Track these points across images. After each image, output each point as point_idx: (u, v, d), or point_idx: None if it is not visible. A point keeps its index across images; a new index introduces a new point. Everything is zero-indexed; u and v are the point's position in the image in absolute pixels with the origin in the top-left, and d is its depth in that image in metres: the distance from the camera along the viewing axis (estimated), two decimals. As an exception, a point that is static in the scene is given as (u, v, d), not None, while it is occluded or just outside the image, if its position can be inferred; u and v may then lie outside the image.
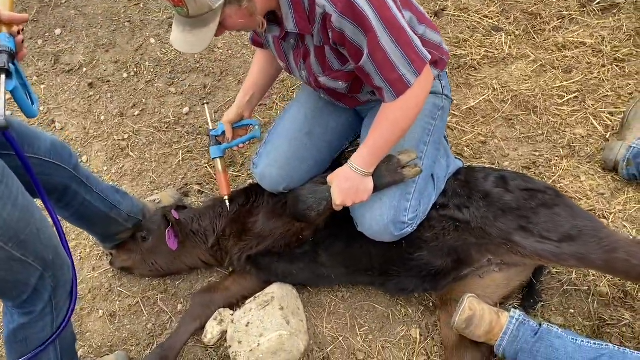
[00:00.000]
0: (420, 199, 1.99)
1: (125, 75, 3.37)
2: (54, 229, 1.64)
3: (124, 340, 2.28)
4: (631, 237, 2.14)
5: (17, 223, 1.44)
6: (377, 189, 1.92)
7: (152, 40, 3.58)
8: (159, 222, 2.33)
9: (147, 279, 2.45)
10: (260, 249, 2.20)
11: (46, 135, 1.86)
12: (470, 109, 2.89)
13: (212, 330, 2.17)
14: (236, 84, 3.27)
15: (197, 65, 3.39)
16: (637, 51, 3.01)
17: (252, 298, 2.17)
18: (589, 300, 2.11)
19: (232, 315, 2.15)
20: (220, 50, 3.47)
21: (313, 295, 2.29)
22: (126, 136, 3.05)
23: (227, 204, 2.26)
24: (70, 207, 2.03)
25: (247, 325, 2.05)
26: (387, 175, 1.93)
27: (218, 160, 2.27)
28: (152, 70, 3.40)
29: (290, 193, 2.05)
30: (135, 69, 3.39)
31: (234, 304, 2.29)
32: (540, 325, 1.87)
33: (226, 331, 2.17)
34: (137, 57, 3.48)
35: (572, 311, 2.10)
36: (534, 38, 3.21)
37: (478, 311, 1.88)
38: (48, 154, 1.83)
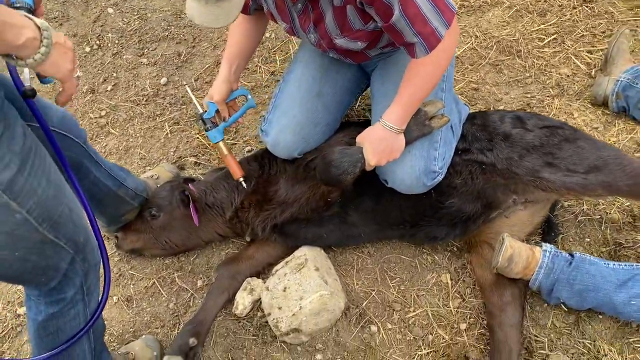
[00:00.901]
0: (445, 145, 2.00)
1: (87, 49, 3.12)
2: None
3: (146, 324, 2.16)
4: None
5: (52, 201, 1.32)
6: (406, 143, 1.91)
7: (110, 10, 3.33)
8: (169, 197, 2.21)
9: (158, 258, 2.33)
10: (285, 216, 2.13)
11: (55, 105, 1.69)
12: (458, 57, 2.90)
13: (242, 301, 2.10)
14: (212, 49, 3.12)
15: (167, 33, 3.20)
16: (602, -9, 3.13)
17: (282, 263, 2.12)
18: (602, 227, 2.22)
19: (265, 282, 2.09)
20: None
21: (338, 254, 2.27)
22: (103, 113, 2.84)
23: (244, 184, 2.15)
24: (81, 185, 1.88)
25: (284, 290, 2.00)
26: (415, 129, 1.91)
27: (220, 143, 2.09)
28: (116, 41, 3.18)
29: (320, 158, 1.97)
30: (97, 42, 3.16)
31: (260, 272, 2.23)
32: (572, 255, 1.94)
33: (258, 300, 2.11)
34: (97, 28, 3.24)
35: (588, 239, 2.21)
36: (505, -16, 3.25)
37: (516, 248, 1.93)
38: (60, 125, 1.67)
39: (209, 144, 2.67)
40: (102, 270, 1.62)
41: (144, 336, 2.08)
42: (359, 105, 2.75)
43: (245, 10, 2.05)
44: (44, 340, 1.58)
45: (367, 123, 2.28)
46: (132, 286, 2.26)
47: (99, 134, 2.76)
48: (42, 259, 1.36)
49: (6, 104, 1.20)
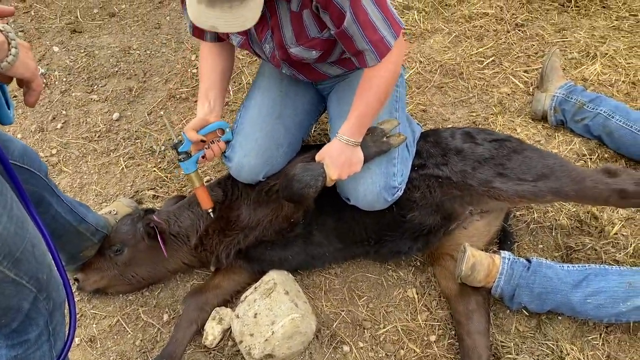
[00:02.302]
0: (402, 162, 2.07)
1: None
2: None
3: (112, 364, 2.09)
4: (593, 168, 2.42)
5: (13, 237, 1.27)
6: (365, 160, 1.97)
7: (56, 49, 3.29)
8: (132, 230, 2.17)
9: (121, 295, 2.27)
10: (249, 241, 2.14)
11: (16, 139, 1.66)
12: (405, 81, 3.03)
13: (212, 331, 2.07)
14: (163, 83, 3.12)
15: (116, 69, 3.18)
16: (531, 16, 3.38)
17: (251, 289, 2.11)
18: (553, 233, 2.34)
19: (234, 310, 2.07)
20: (137, 52, 3.29)
21: (305, 277, 2.28)
22: (54, 151, 2.78)
23: (212, 214, 2.15)
24: (42, 220, 1.82)
25: (255, 317, 1.98)
26: (373, 145, 1.98)
27: (192, 175, 2.07)
28: (64, 79, 3.13)
29: (282, 176, 2.00)
30: (44, 80, 3.09)
31: (228, 301, 2.20)
32: (529, 260, 2.04)
33: (228, 329, 2.09)
34: (43, 67, 3.17)
35: (541, 246, 2.32)
36: (443, 13, 3.45)
37: (477, 257, 2.00)
38: (21, 158, 1.63)
39: (180, 174, 2.65)
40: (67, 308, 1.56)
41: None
42: (314, 131, 2.81)
43: (200, 35, 2.08)
44: None
45: (322, 146, 2.34)
46: (95, 326, 2.18)
47: (51, 173, 2.69)
48: (2, 298, 1.31)
49: None
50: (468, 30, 3.32)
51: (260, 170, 2.15)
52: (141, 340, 2.14)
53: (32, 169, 1.68)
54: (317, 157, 1.96)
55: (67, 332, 1.58)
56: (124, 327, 2.18)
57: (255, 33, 1.93)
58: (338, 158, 1.90)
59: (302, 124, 2.30)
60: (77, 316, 2.21)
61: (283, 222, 2.11)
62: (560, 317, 2.09)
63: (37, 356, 1.49)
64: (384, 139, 2.00)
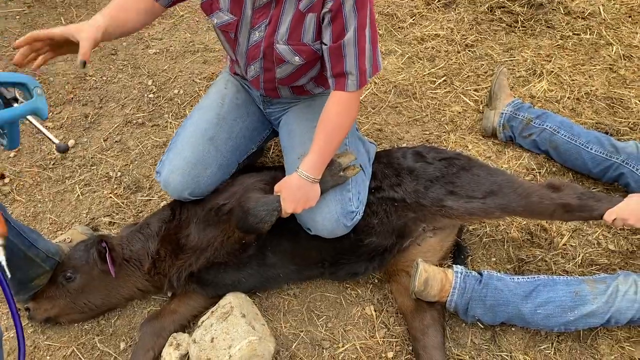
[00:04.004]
0: (358, 187, 2.11)
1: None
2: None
3: (67, 396, 2.04)
4: (539, 183, 2.50)
5: None
6: (322, 193, 2.01)
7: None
8: (85, 256, 2.14)
9: (76, 324, 2.22)
10: (201, 263, 2.13)
11: None
12: (362, 102, 3.10)
13: (169, 358, 2.04)
14: (119, 108, 3.11)
15: (71, 96, 3.16)
16: (480, 37, 3.51)
17: (208, 314, 2.09)
18: (505, 246, 2.41)
19: (191, 335, 2.06)
20: (94, 78, 3.28)
21: (264, 299, 2.28)
22: (7, 180, 2.72)
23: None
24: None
25: (212, 341, 1.97)
26: (330, 179, 2.02)
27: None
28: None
29: (237, 206, 2.01)
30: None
31: (185, 326, 2.18)
32: (481, 274, 2.10)
33: (185, 355, 2.07)
34: (-5, 95, 3.12)
35: (494, 259, 2.38)
36: (396, 35, 3.55)
37: (430, 272, 2.05)
38: None
39: (122, 202, 2.63)
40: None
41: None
42: (272, 152, 2.84)
43: None
44: None
45: (280, 168, 2.38)
46: (49, 357, 2.13)
47: (4, 202, 2.64)
48: None
49: None
50: (420, 51, 3.42)
51: (186, 188, 2.16)
52: (97, 371, 2.10)
53: None
54: (276, 189, 1.99)
55: None
56: (80, 357, 2.13)
57: (252, 17, 1.93)
58: (295, 193, 1.93)
59: (238, 148, 2.32)
60: (31, 349, 2.16)
61: (235, 244, 2.11)
62: (513, 329, 2.14)
63: None
64: (341, 172, 2.03)
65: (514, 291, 2.03)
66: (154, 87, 3.23)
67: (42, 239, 2.09)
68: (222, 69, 3.31)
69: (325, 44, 1.84)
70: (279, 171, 2.33)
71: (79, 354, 2.14)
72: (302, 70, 2.01)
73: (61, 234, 2.48)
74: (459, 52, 3.40)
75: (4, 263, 1.18)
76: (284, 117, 2.33)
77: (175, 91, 3.18)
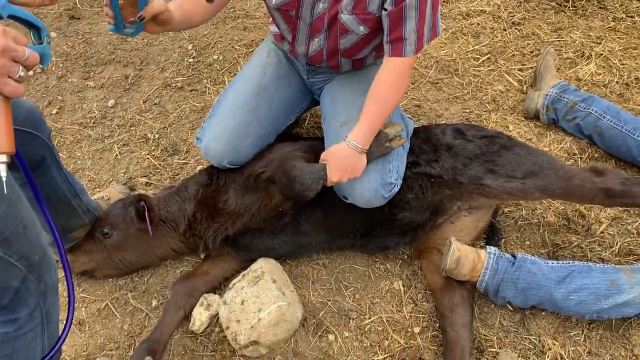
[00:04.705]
0: (398, 160, 2.09)
1: (30, 72, 3.05)
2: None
3: (100, 347, 2.11)
4: (581, 166, 2.44)
5: (3, 218, 1.26)
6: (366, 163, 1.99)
7: (53, 34, 3.30)
8: (123, 214, 2.19)
9: (111, 280, 2.29)
10: (237, 227, 2.16)
11: (24, 100, 1.65)
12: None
13: (199, 317, 2.09)
14: (159, 71, 3.14)
15: (113, 57, 3.20)
16: (528, 15, 3.39)
17: (239, 277, 2.13)
18: (540, 230, 2.37)
19: (222, 297, 2.10)
20: (135, 40, 3.30)
21: (294, 267, 2.30)
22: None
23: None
24: (37, 183, 1.80)
25: (242, 304, 2.01)
26: (376, 150, 2.00)
27: None
28: (61, 65, 3.14)
29: (282, 174, 2.02)
30: (40, 65, 3.10)
31: (216, 288, 2.23)
32: (515, 256, 2.07)
33: (215, 316, 2.11)
34: (40, 52, 3.18)
35: (528, 242, 2.34)
36: (441, 9, 3.45)
37: (463, 251, 2.03)
38: (25, 122, 1.63)
39: (159, 164, 2.67)
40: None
41: (98, 359, 2.03)
42: (308, 124, 2.83)
43: None
44: None
45: (316, 139, 2.40)
46: (84, 309, 2.21)
47: (45, 157, 2.70)
48: None
49: None
50: (465, 27, 3.33)
51: (226, 157, 2.18)
52: (129, 325, 2.16)
53: (36, 132, 1.68)
54: (323, 157, 1.99)
55: (67, 317, 1.57)
56: (113, 312, 2.20)
57: None
58: (343, 162, 1.93)
59: (277, 119, 2.32)
60: (66, 300, 2.22)
61: (271, 211, 2.13)
62: (543, 313, 2.11)
63: (29, 337, 1.50)
64: (387, 143, 2.02)
65: (548, 275, 2.00)
66: (194, 51, 3.24)
67: (85, 193, 2.15)
68: (262, 36, 3.29)
69: (386, 9, 1.80)
70: (316, 141, 2.33)
71: (112, 308, 2.21)
72: (366, 40, 1.99)
73: (99, 191, 2.54)
74: (505, 30, 3.30)
75: (4, 179, 1.18)
76: (327, 85, 2.32)
77: (215, 57, 3.19)
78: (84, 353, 2.10)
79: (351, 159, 1.92)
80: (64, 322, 1.51)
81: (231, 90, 2.29)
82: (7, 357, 1.49)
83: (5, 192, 1.25)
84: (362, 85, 1.94)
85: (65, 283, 1.51)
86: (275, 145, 2.29)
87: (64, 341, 1.51)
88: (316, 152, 2.07)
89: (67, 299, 1.50)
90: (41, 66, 1.26)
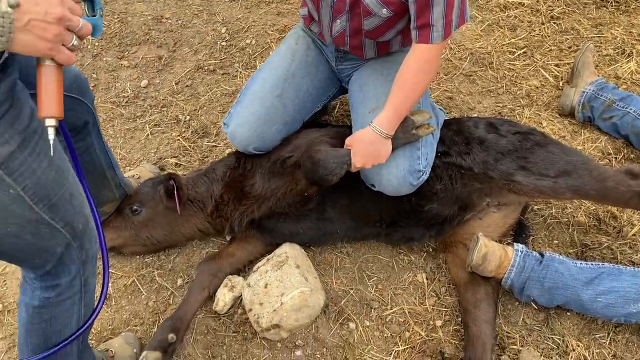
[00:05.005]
0: (427, 147, 2.07)
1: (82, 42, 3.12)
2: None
3: (125, 322, 2.16)
4: (616, 168, 2.38)
5: (52, 183, 1.30)
6: (392, 150, 1.98)
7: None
8: (152, 192, 2.23)
9: (138, 257, 2.33)
10: (263, 211, 2.18)
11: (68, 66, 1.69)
12: (433, 67, 3.01)
13: (223, 298, 2.12)
14: (192, 54, 3.16)
15: (147, 37, 3.23)
16: (568, 9, 3.31)
17: (263, 260, 2.15)
18: (570, 230, 2.32)
19: (246, 279, 2.12)
20: (169, 21, 3.33)
21: (317, 254, 2.31)
22: (83, 113, 2.83)
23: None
24: (76, 148, 1.83)
25: (265, 287, 2.03)
26: (402, 136, 1.99)
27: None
28: (96, 44, 3.19)
29: (307, 157, 2.02)
30: (92, 37, 3.15)
31: (241, 270, 2.25)
32: (542, 255, 2.04)
33: (238, 297, 2.14)
34: (77, 30, 3.22)
35: (557, 241, 2.31)
36: (478, 0, 3.40)
37: (490, 247, 2.00)
38: (70, 87, 1.66)
39: (189, 146, 2.69)
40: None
41: (123, 334, 2.07)
42: (337, 112, 2.82)
43: None
44: (35, 327, 1.53)
45: (344, 126, 2.41)
46: (111, 284, 2.25)
47: (78, 134, 2.75)
48: (37, 239, 1.34)
49: (19, 85, 1.20)
50: (502, 19, 3.27)
51: (251, 143, 2.20)
52: (154, 302, 2.20)
53: (80, 97, 1.71)
54: (347, 142, 1.99)
55: (102, 288, 1.60)
56: (139, 288, 2.24)
57: None
58: (367, 147, 1.92)
59: (304, 106, 2.32)
60: (95, 274, 2.28)
61: (297, 196, 2.14)
62: (569, 313, 2.08)
63: (68, 304, 1.54)
64: (414, 130, 2.00)
65: (576, 276, 1.97)
66: (227, 35, 3.25)
67: (119, 167, 2.19)
68: (295, 22, 3.28)
69: None
70: (343, 128, 2.33)
71: (138, 284, 2.25)
72: (389, 23, 1.96)
73: (130, 170, 2.58)
74: (543, 24, 3.22)
75: (52, 142, 1.23)
76: (356, 72, 2.30)
77: (248, 41, 3.19)
78: (110, 327, 2.15)
79: (376, 144, 1.91)
80: (98, 294, 1.55)
81: (259, 76, 2.29)
82: (45, 323, 1.53)
83: (52, 154, 1.29)
84: (391, 72, 1.92)
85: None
86: (302, 132, 2.30)
87: (99, 311, 1.55)
88: (343, 138, 2.06)
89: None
90: (92, 37, 1.29)
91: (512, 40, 3.13)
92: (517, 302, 2.13)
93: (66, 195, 1.36)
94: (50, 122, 1.17)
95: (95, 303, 1.61)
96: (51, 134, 1.19)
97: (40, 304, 1.50)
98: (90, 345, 1.99)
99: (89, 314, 1.61)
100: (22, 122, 1.18)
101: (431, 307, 2.15)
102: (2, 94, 1.12)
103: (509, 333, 2.05)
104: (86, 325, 1.57)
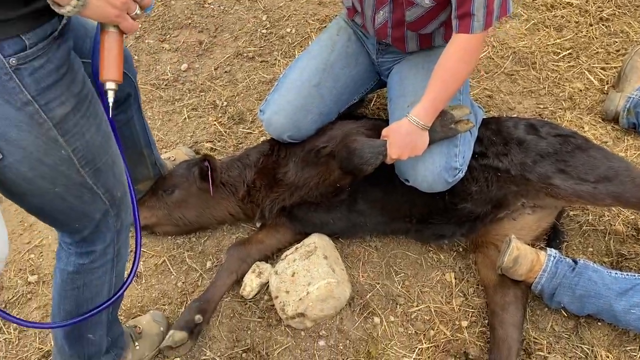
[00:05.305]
0: (464, 145, 2.04)
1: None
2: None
3: (154, 300, 2.20)
4: None
5: (98, 148, 1.34)
6: (430, 144, 1.95)
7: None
8: (186, 173, 2.27)
9: (169, 238, 2.37)
10: (294, 199, 2.19)
11: None
12: (474, 64, 2.96)
13: (250, 283, 2.14)
14: (232, 40, 3.18)
15: (189, 21, 3.26)
16: (618, 11, 3.20)
17: (292, 249, 2.16)
18: (606, 238, 2.26)
19: (274, 267, 2.14)
20: (212, 6, 3.35)
21: (346, 246, 2.31)
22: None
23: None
24: (116, 121, 1.86)
25: (292, 275, 2.04)
26: (440, 130, 1.96)
27: None
28: (139, 26, 3.22)
29: (342, 146, 2.02)
30: (146, 11, 3.21)
31: (269, 257, 2.27)
32: (576, 261, 1.99)
33: (265, 283, 2.16)
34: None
35: (591, 249, 2.25)
36: (525, -2, 3.32)
37: (522, 250, 1.97)
38: None
39: (225, 131, 2.72)
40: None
41: (151, 311, 2.12)
42: (373, 104, 2.80)
43: None
44: (68, 293, 1.58)
45: (380, 119, 2.41)
46: (142, 263, 2.30)
47: (118, 114, 2.81)
48: (79, 202, 1.38)
49: (73, 53, 1.25)
50: (548, 19, 3.18)
51: (286, 131, 2.21)
52: (183, 283, 2.24)
53: (124, 70, 1.77)
54: (384, 132, 1.97)
55: (133, 262, 1.63)
56: (169, 268, 2.29)
57: None
58: (404, 138, 1.90)
59: (341, 97, 2.31)
60: (128, 251, 2.33)
61: (329, 186, 2.14)
62: (599, 323, 2.03)
63: (100, 272, 1.58)
64: (452, 125, 1.97)
65: (610, 286, 1.92)
66: (267, 22, 3.26)
67: (156, 146, 2.24)
68: (337, 12, 3.26)
69: None
70: (379, 121, 2.32)
71: (169, 264, 2.30)
72: (431, 13, 1.94)
73: (166, 152, 2.62)
74: (591, 25, 3.13)
75: (111, 104, 1.29)
76: (397, 65, 2.28)
77: (288, 30, 3.19)
78: (139, 304, 2.20)
79: (412, 135, 1.89)
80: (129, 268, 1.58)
81: (297, 65, 2.30)
82: (78, 289, 1.58)
83: (111, 116, 1.35)
84: (432, 66, 1.89)
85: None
86: (337, 123, 2.30)
87: (130, 283, 1.58)
88: (379, 131, 2.04)
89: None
90: (146, 11, 1.33)
91: (558, 40, 3.05)
92: (547, 308, 2.09)
93: (109, 162, 1.40)
94: (111, 86, 1.25)
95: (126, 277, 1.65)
96: (111, 96, 1.27)
97: (74, 270, 1.54)
98: (120, 321, 2.05)
99: (120, 285, 1.66)
100: (77, 86, 1.24)
101: (458, 307, 2.13)
102: (61, 58, 1.18)
103: (536, 339, 2.02)
104: (117, 295, 1.61)
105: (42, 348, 2.07)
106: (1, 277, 2.27)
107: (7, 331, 2.12)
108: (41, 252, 2.34)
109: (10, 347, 2.09)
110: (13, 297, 2.22)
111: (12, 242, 2.37)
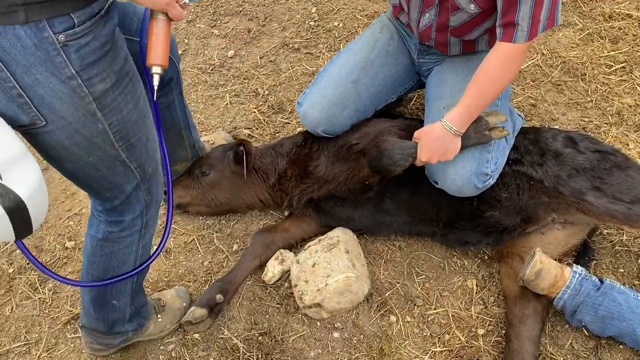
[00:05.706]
0: (498, 152, 2.02)
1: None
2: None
3: (180, 277, 2.29)
4: None
5: (133, 125, 1.42)
6: (462, 149, 1.94)
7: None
8: (222, 157, 2.35)
9: (201, 218, 2.45)
10: (322, 192, 2.22)
11: None
12: (520, 71, 2.90)
13: (273, 269, 2.20)
14: (280, 30, 3.22)
15: (240, 9, 3.33)
16: (681, 27, 3.06)
17: (315, 240, 2.20)
18: (639, 260, 2.19)
19: (296, 256, 2.18)
20: (264, -5, 3.40)
21: (369, 243, 2.33)
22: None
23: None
24: (158, 102, 1.95)
25: (313, 266, 2.08)
26: (474, 136, 1.94)
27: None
28: (192, 10, 3.32)
29: (373, 146, 2.04)
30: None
31: (293, 246, 2.32)
32: (602, 281, 1.94)
33: (287, 271, 2.21)
34: (177, -5, 3.38)
35: (622, 270, 2.19)
36: (581, 7, 3.22)
37: (546, 265, 1.94)
38: None
39: (263, 119, 2.78)
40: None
41: (176, 287, 2.20)
42: (412, 104, 2.80)
43: None
44: (97, 259, 1.68)
45: (416, 119, 2.39)
46: (172, 239, 2.40)
47: (164, 94, 2.92)
48: (111, 173, 1.46)
49: (117, 30, 1.31)
50: (604, 30, 3.08)
51: (321, 125, 2.23)
52: (209, 262, 2.32)
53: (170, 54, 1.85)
54: (416, 135, 1.98)
55: (162, 236, 1.71)
56: (197, 247, 2.37)
57: None
58: (435, 142, 1.90)
59: (378, 95, 2.32)
60: (160, 227, 2.42)
61: (358, 183, 2.16)
62: (621, 346, 1.98)
63: (128, 241, 1.67)
64: (487, 131, 1.95)
65: (634, 309, 1.86)
66: (316, 15, 3.29)
67: (196, 129, 2.31)
68: (385, 9, 3.26)
69: None
70: (415, 122, 2.31)
71: (197, 243, 2.38)
72: (476, 20, 1.93)
73: (205, 134, 2.70)
74: (649, 39, 3.01)
75: (155, 87, 1.37)
76: (438, 67, 2.27)
77: (335, 23, 3.22)
78: (165, 279, 2.29)
79: (444, 140, 1.88)
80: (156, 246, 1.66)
81: (338, 60, 2.32)
82: (105, 257, 1.67)
83: (154, 99, 1.43)
84: (472, 70, 1.88)
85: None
86: (372, 120, 2.31)
87: (156, 257, 1.66)
88: (413, 131, 2.04)
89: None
90: (191, 2, 1.41)
91: (612, 52, 2.95)
92: (567, 325, 2.05)
93: (143, 139, 1.47)
94: (157, 70, 1.34)
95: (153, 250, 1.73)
96: (156, 80, 1.36)
97: (103, 237, 1.63)
98: (145, 292, 2.14)
99: (146, 257, 1.74)
100: (118, 64, 1.31)
101: (476, 314, 2.12)
102: (107, 35, 1.26)
103: (553, 355, 1.99)
104: (142, 266, 1.70)
105: (72, 311, 2.18)
106: (42, 241, 2.41)
107: (42, 291, 2.25)
108: (80, 220, 2.47)
109: (43, 306, 2.22)
110: (50, 259, 2.35)
111: (54, 209, 2.51)
